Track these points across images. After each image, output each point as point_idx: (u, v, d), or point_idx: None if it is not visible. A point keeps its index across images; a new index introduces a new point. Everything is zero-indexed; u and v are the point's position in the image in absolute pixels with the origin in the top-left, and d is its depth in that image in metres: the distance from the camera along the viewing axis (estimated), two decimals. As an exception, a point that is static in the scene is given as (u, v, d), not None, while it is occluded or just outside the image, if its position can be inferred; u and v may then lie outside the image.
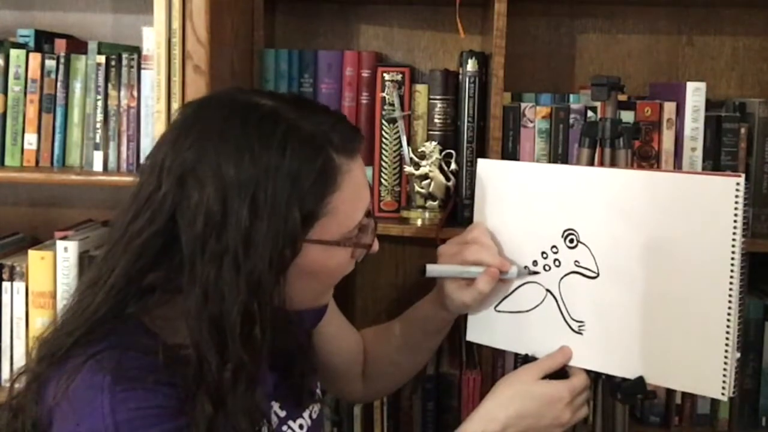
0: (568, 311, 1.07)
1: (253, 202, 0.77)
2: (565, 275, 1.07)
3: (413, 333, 1.18)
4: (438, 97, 1.50)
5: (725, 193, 0.95)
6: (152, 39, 1.35)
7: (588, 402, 1.07)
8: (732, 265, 0.95)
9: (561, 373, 1.11)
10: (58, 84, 1.50)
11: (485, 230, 1.09)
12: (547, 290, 1.08)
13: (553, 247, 1.08)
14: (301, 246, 0.81)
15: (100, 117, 1.48)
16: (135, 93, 1.45)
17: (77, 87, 1.50)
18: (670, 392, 1.48)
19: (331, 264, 0.87)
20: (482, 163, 1.16)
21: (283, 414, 0.96)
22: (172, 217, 0.79)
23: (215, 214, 0.77)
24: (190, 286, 0.79)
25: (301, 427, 0.98)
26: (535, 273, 1.09)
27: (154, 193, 0.80)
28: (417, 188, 1.48)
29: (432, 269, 1.08)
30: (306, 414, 0.99)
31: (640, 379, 1.02)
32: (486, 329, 1.14)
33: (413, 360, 1.22)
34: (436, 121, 1.51)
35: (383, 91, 1.49)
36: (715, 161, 1.41)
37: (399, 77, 1.49)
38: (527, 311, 1.10)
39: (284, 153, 0.79)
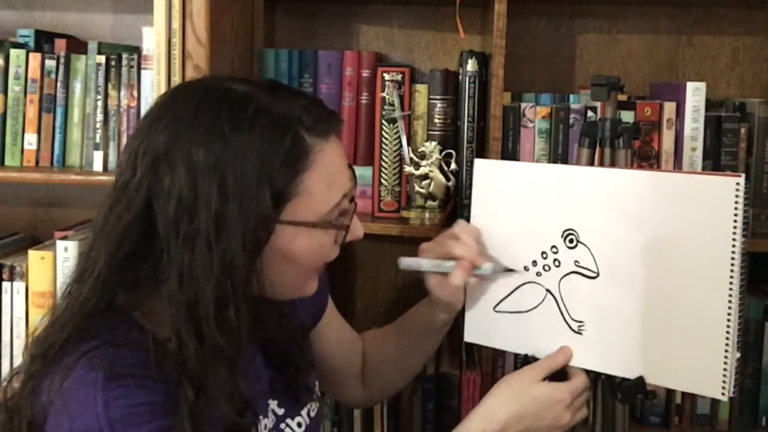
0: (567, 311, 1.07)
1: (223, 183, 0.77)
2: (565, 275, 1.07)
3: (412, 334, 1.17)
4: (438, 97, 1.50)
5: (725, 193, 0.95)
6: (152, 39, 1.35)
7: (588, 402, 1.07)
8: (732, 265, 0.95)
9: (561, 373, 1.11)
10: (58, 84, 1.50)
11: (467, 227, 1.08)
12: (547, 290, 1.08)
13: (553, 247, 1.07)
14: (274, 227, 0.81)
15: (100, 117, 1.48)
16: (135, 93, 1.45)
17: (77, 87, 1.50)
18: (670, 392, 1.48)
19: (310, 247, 0.85)
20: (479, 164, 1.15)
21: (281, 412, 0.96)
22: (148, 202, 0.80)
23: (187, 198, 0.77)
24: (167, 271, 0.79)
25: (299, 425, 0.98)
26: (512, 271, 1.08)
27: (130, 180, 0.81)
28: (417, 188, 1.48)
29: (405, 262, 1.08)
30: (304, 412, 0.99)
31: (640, 379, 1.02)
32: (484, 329, 1.14)
33: (412, 362, 1.21)
34: (436, 121, 1.51)
35: (383, 91, 1.49)
36: (715, 161, 1.41)
37: (399, 77, 1.49)
38: (527, 311, 1.10)
39: (252, 133, 0.79)
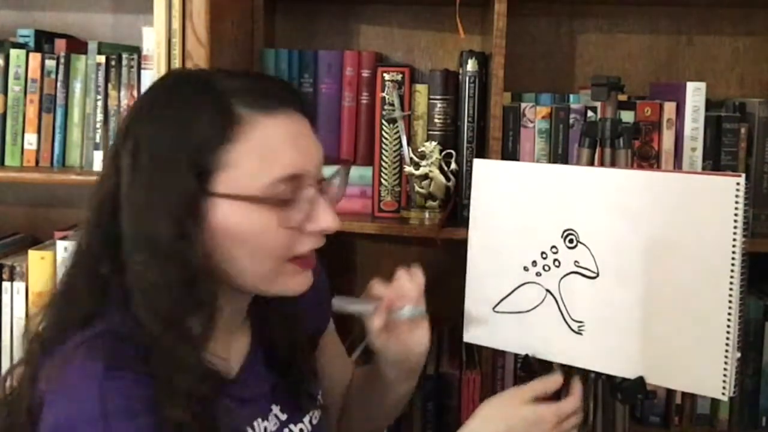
0: (567, 311, 1.07)
1: (151, 157, 0.79)
2: (565, 275, 1.07)
3: (371, 385, 1.12)
4: (438, 97, 1.50)
5: (725, 193, 0.95)
6: (152, 39, 1.35)
7: (587, 404, 1.06)
8: (732, 265, 0.95)
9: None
10: (58, 84, 1.50)
11: (413, 271, 1.03)
12: (547, 290, 1.08)
13: (553, 247, 1.07)
14: (202, 198, 0.79)
15: (100, 117, 1.48)
16: (135, 93, 1.46)
17: (77, 87, 1.50)
18: (670, 392, 1.48)
19: (251, 225, 0.80)
20: (479, 164, 1.15)
21: (284, 417, 0.95)
22: (116, 181, 0.82)
23: (127, 175, 0.80)
24: (126, 255, 0.80)
25: (301, 431, 0.97)
26: (424, 313, 1.01)
27: (105, 162, 0.86)
28: (417, 188, 1.48)
29: (336, 303, 1.00)
30: (306, 419, 0.98)
31: (640, 379, 1.02)
32: (484, 330, 1.14)
33: (383, 408, 1.15)
34: (436, 121, 1.51)
35: (383, 91, 1.49)
36: (715, 161, 1.41)
37: (399, 77, 1.49)
38: (527, 311, 1.10)
39: (182, 106, 0.81)
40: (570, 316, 1.07)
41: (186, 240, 0.78)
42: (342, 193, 0.94)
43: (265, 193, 0.81)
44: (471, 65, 1.46)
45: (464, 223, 1.37)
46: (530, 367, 1.11)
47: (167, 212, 0.78)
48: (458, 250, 1.21)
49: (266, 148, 0.81)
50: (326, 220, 0.84)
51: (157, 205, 0.78)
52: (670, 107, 1.41)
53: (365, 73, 1.53)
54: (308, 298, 0.97)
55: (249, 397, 0.91)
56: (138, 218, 0.79)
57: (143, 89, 1.43)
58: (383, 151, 1.51)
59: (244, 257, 0.82)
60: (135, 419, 0.75)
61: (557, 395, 1.02)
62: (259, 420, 0.91)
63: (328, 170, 0.93)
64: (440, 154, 1.48)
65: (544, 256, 1.08)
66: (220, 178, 0.80)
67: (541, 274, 1.09)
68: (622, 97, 1.43)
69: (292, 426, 0.96)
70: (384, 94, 1.49)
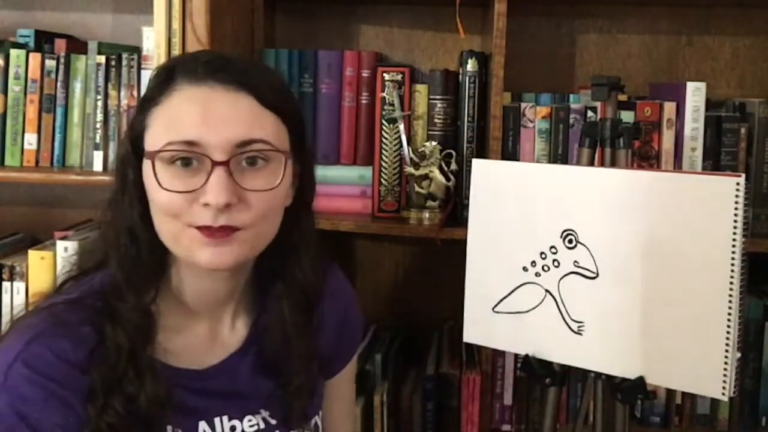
0: (567, 312, 1.07)
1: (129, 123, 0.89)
2: (565, 276, 1.07)
3: None
4: (438, 97, 1.50)
5: (725, 193, 0.95)
6: (152, 39, 1.35)
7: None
8: (732, 265, 0.95)
9: (562, 374, 1.11)
10: (58, 84, 1.50)
11: None
12: (546, 291, 1.08)
13: (552, 247, 1.07)
14: (131, 157, 0.86)
15: (100, 117, 1.48)
16: (135, 93, 1.45)
17: (77, 87, 1.50)
18: (670, 392, 1.49)
19: (149, 181, 0.84)
20: (477, 164, 1.15)
21: (273, 422, 0.94)
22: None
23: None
24: None
25: None
26: None
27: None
28: (417, 188, 1.48)
29: None
30: None
31: (640, 379, 1.02)
32: (484, 330, 1.14)
33: None
34: (436, 121, 1.51)
35: (383, 91, 1.49)
36: (715, 161, 1.41)
37: (399, 77, 1.49)
38: (526, 312, 1.10)
39: (152, 76, 0.89)
40: (570, 316, 1.07)
41: (126, 198, 0.86)
42: (275, 183, 0.85)
43: (159, 151, 0.83)
44: (471, 65, 1.46)
45: (464, 223, 1.36)
46: (530, 367, 1.11)
47: (117, 174, 0.88)
48: (458, 250, 1.21)
49: (174, 112, 0.84)
50: (212, 194, 0.81)
51: (115, 169, 0.89)
52: (670, 107, 1.41)
53: (365, 73, 1.53)
54: (326, 322, 1.00)
55: (215, 392, 0.90)
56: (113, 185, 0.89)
57: (143, 89, 1.43)
58: (383, 151, 1.51)
59: (155, 215, 0.86)
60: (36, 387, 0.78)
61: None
62: (224, 419, 0.90)
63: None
64: (440, 154, 1.48)
65: (543, 256, 1.08)
66: (145, 138, 0.86)
67: (540, 275, 1.09)
68: (622, 97, 1.43)
69: None
70: (384, 94, 1.49)
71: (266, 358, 0.95)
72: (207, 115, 0.82)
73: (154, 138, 0.84)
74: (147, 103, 0.86)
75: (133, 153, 0.86)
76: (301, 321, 0.95)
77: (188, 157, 0.82)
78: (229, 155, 0.82)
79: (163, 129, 0.83)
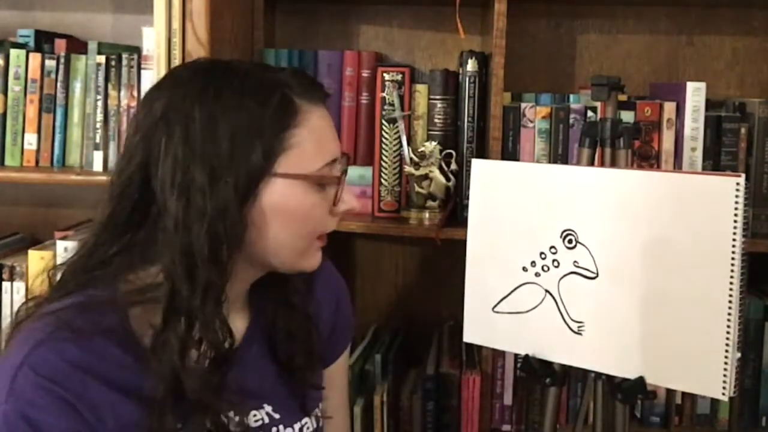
0: (567, 312, 1.07)
1: (216, 137, 0.83)
2: (564, 276, 1.07)
3: None
4: (438, 97, 1.50)
5: (725, 193, 0.95)
6: (152, 39, 1.35)
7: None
8: (732, 265, 0.95)
9: (562, 374, 1.11)
10: (58, 84, 1.50)
11: None
12: (546, 291, 1.08)
13: (552, 247, 1.07)
14: (266, 178, 0.85)
15: (100, 117, 1.48)
16: (135, 93, 1.46)
17: (77, 87, 1.50)
18: (670, 392, 1.48)
19: (302, 203, 0.88)
20: (477, 164, 1.15)
21: (277, 416, 0.95)
22: (146, 164, 0.85)
23: (182, 152, 0.83)
24: (162, 222, 0.84)
25: None
26: None
27: (130, 141, 0.88)
28: (417, 188, 1.48)
29: None
30: (297, 426, 0.98)
31: (640, 379, 1.02)
32: (484, 330, 1.14)
33: None
34: (436, 121, 1.51)
35: (383, 91, 1.49)
36: (715, 161, 1.41)
37: (399, 77, 1.49)
38: (526, 312, 1.10)
39: (243, 92, 0.86)
40: (569, 317, 1.07)
41: (238, 212, 0.84)
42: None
43: (319, 174, 0.89)
44: (471, 65, 1.46)
45: (464, 223, 1.36)
46: (530, 367, 1.11)
47: (233, 185, 0.83)
48: (458, 250, 1.21)
49: (319, 134, 0.89)
50: (351, 200, 0.93)
51: (222, 180, 0.83)
52: (670, 107, 1.41)
53: (365, 73, 1.53)
54: (322, 310, 1.03)
55: (223, 386, 0.90)
56: (196, 189, 0.83)
57: (143, 89, 1.43)
58: (383, 151, 1.51)
59: (288, 232, 0.88)
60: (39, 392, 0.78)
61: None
62: (230, 414, 0.90)
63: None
64: (440, 154, 1.48)
65: (543, 256, 1.08)
66: (282, 159, 0.86)
67: (540, 275, 1.09)
68: (622, 97, 1.43)
69: (281, 427, 0.96)
70: (384, 94, 1.49)
71: (268, 350, 0.97)
72: (334, 132, 0.93)
73: (304, 161, 0.87)
74: (275, 126, 0.85)
75: (261, 171, 0.85)
76: (299, 312, 0.98)
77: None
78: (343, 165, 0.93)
79: (313, 151, 0.88)
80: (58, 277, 0.91)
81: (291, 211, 0.87)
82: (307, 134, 0.87)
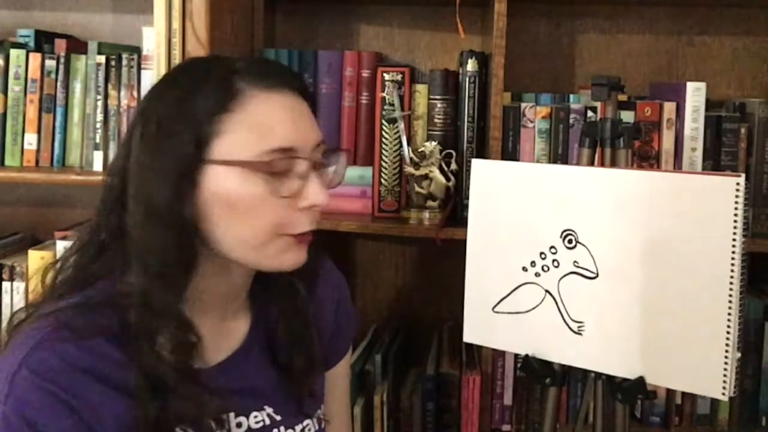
0: (567, 312, 1.07)
1: (148, 125, 0.84)
2: (564, 276, 1.07)
3: None
4: (438, 97, 1.50)
5: (725, 193, 0.95)
6: (152, 39, 1.35)
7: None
8: (732, 265, 0.95)
9: (562, 374, 1.11)
10: (58, 84, 1.50)
11: None
12: (546, 291, 1.08)
13: (552, 247, 1.07)
14: (199, 165, 0.83)
15: (100, 117, 1.48)
16: (135, 93, 1.46)
17: (77, 87, 1.50)
18: (670, 392, 1.49)
19: (240, 191, 0.83)
20: (477, 164, 1.15)
21: (278, 418, 0.95)
22: (126, 155, 0.87)
23: (136, 144, 0.85)
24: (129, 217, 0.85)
25: None
26: None
27: (119, 147, 0.93)
28: (417, 188, 1.48)
29: None
30: (298, 428, 0.98)
31: (640, 380, 1.02)
32: (484, 330, 1.14)
33: None
34: (436, 121, 1.51)
35: (383, 91, 1.49)
36: (715, 161, 1.41)
37: (399, 77, 1.49)
38: (526, 312, 1.10)
39: (187, 81, 0.86)
40: (569, 317, 1.07)
41: (179, 202, 0.82)
42: (339, 179, 0.94)
43: (258, 161, 0.83)
44: (471, 65, 1.46)
45: (464, 223, 1.36)
46: (530, 368, 1.11)
47: (165, 176, 0.82)
48: (458, 250, 1.21)
49: (261, 119, 0.85)
50: (315, 195, 0.86)
51: (158, 169, 0.83)
52: (670, 107, 1.41)
53: (365, 73, 1.53)
54: (324, 311, 1.02)
55: (225, 388, 0.90)
56: (140, 181, 0.84)
57: (143, 89, 1.43)
58: (383, 151, 1.51)
59: (237, 224, 0.84)
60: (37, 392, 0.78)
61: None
62: (231, 415, 0.90)
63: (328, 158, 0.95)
64: (440, 154, 1.48)
65: (543, 256, 1.08)
66: (216, 145, 0.83)
67: (540, 275, 1.09)
68: (622, 97, 1.43)
69: (282, 428, 0.95)
70: (384, 94, 1.49)
71: (269, 352, 0.96)
72: (293, 120, 0.86)
73: (239, 146, 0.83)
74: (208, 112, 0.83)
75: (193, 159, 0.83)
76: (301, 314, 0.97)
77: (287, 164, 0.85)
78: (315, 158, 0.87)
79: (250, 136, 0.83)
80: (56, 277, 0.91)
81: (233, 201, 0.83)
82: (243, 120, 0.83)
